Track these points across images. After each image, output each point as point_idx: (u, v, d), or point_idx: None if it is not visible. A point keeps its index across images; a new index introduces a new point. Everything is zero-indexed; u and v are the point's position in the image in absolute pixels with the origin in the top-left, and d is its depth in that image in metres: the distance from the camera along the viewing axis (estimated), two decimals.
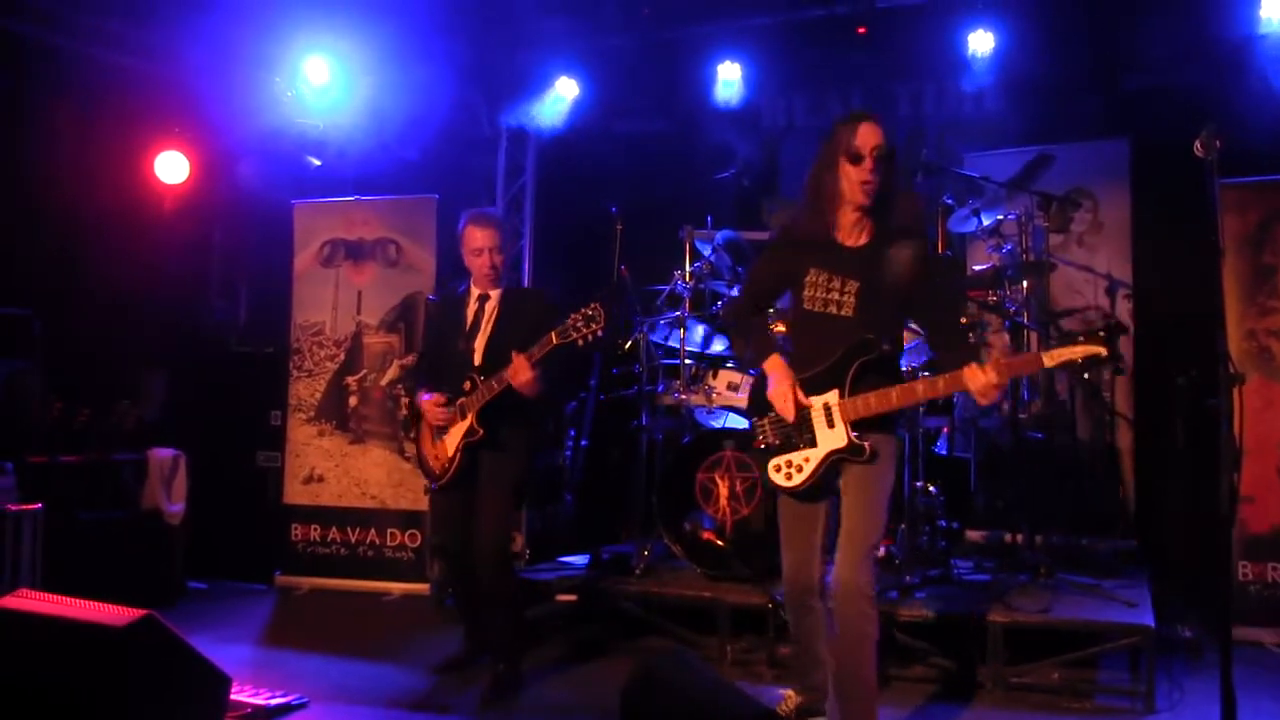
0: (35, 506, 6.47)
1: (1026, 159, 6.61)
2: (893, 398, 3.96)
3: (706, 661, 5.03)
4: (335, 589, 7.57)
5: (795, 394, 4.09)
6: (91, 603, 3.83)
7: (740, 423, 6.80)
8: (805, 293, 4.12)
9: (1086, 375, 3.81)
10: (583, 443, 8.06)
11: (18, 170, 7.33)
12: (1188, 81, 7.65)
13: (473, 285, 5.51)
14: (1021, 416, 6.55)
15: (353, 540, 7.69)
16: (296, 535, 7.78)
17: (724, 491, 6.19)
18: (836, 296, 4.07)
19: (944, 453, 6.61)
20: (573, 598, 6.37)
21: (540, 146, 9.33)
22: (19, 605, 3.92)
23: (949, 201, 6.73)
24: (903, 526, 6.17)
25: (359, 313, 7.90)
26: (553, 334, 4.90)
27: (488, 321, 5.41)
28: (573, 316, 4.87)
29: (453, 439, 5.30)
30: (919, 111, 8.82)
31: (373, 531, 7.70)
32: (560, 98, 8.82)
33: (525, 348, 4.98)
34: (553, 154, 9.26)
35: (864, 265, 4.05)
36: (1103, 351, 3.64)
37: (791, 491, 4.17)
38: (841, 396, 4.02)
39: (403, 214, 8.06)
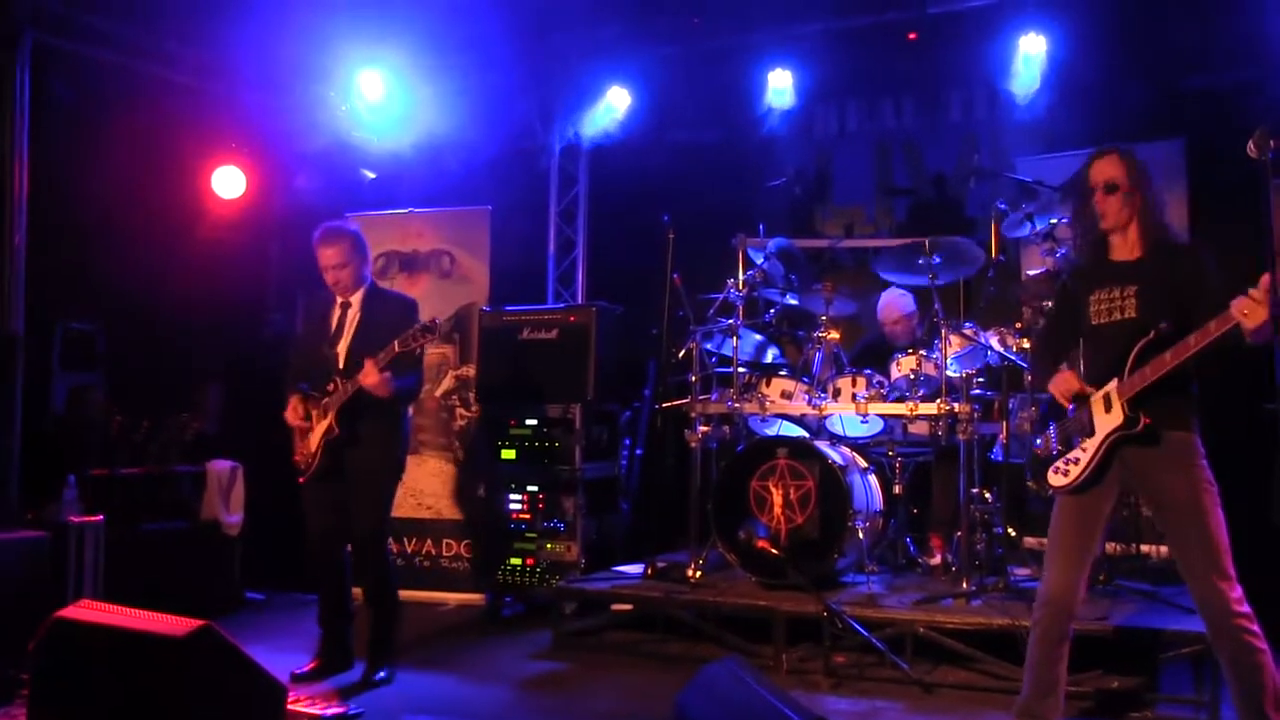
0: (97, 519, 6.59)
1: (1080, 162, 6.54)
2: (1166, 359, 3.93)
3: (762, 671, 5.02)
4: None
5: (1075, 379, 4.23)
6: (152, 613, 3.88)
7: (794, 430, 6.80)
8: (1091, 310, 4.24)
9: None
10: (638, 452, 8.07)
11: (78, 187, 7.46)
12: (1244, 80, 7.54)
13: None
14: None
15: (409, 550, 7.76)
16: None
17: (778, 500, 6.18)
18: (1119, 303, 4.16)
19: (999, 459, 6.55)
20: (628, 607, 6.39)
21: (592, 156, 9.37)
22: (81, 616, 3.99)
23: (1002, 206, 6.68)
24: (958, 534, 6.13)
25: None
26: (395, 342, 5.25)
27: (349, 327, 5.66)
28: (414, 327, 5.26)
29: (315, 437, 5.59)
30: (971, 117, 8.76)
31: (429, 542, 7.78)
32: (612, 107, 8.86)
33: (382, 348, 5.31)
34: (605, 164, 9.29)
35: (1138, 272, 4.15)
36: None
37: (1069, 487, 4.16)
38: (1120, 381, 4.06)
39: (456, 225, 8.14)
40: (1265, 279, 3.62)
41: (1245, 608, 3.87)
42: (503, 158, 8.80)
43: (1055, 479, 4.21)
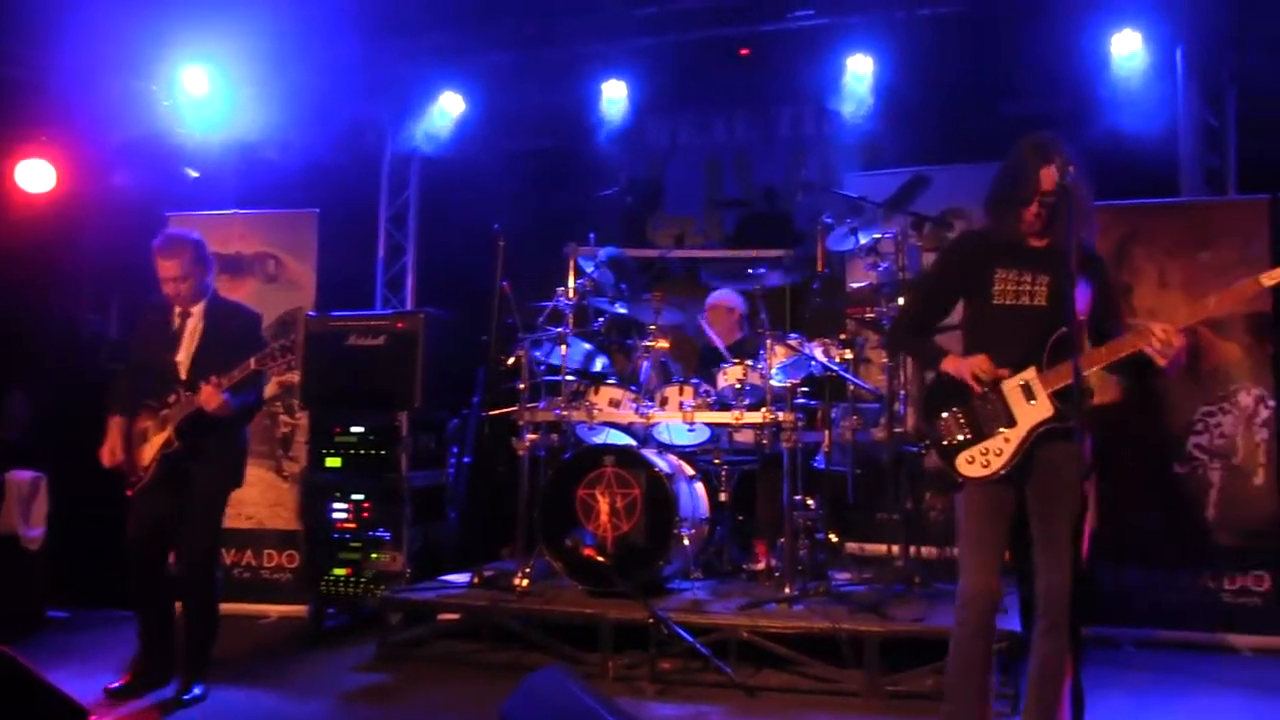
0: None
1: (904, 180, 6.76)
2: (1102, 355, 3.93)
3: (588, 678, 5.01)
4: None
5: (987, 361, 4.03)
6: None
7: (622, 438, 6.83)
8: (995, 287, 4.08)
9: None
10: (465, 460, 8.00)
11: None
12: (1053, 109, 7.93)
13: None
14: (898, 430, 6.69)
15: (229, 561, 7.52)
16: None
17: (605, 508, 6.20)
18: (1029, 288, 4.05)
19: (822, 467, 6.71)
20: (455, 616, 6.31)
21: (424, 161, 9.30)
22: None
23: (828, 220, 6.84)
24: (782, 540, 6.24)
25: None
26: (253, 360, 5.16)
27: (191, 337, 5.54)
28: (270, 347, 5.16)
29: (152, 447, 5.44)
30: (800, 132, 8.99)
31: (249, 552, 7.56)
32: (446, 113, 8.81)
33: (229, 366, 5.19)
34: (437, 169, 9.22)
35: (1052, 263, 4.00)
36: None
37: (989, 478, 3.99)
38: (1040, 371, 3.97)
39: (283, 229, 7.94)
40: (1217, 297, 3.81)
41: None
42: (332, 160, 8.66)
43: (971, 469, 4.02)
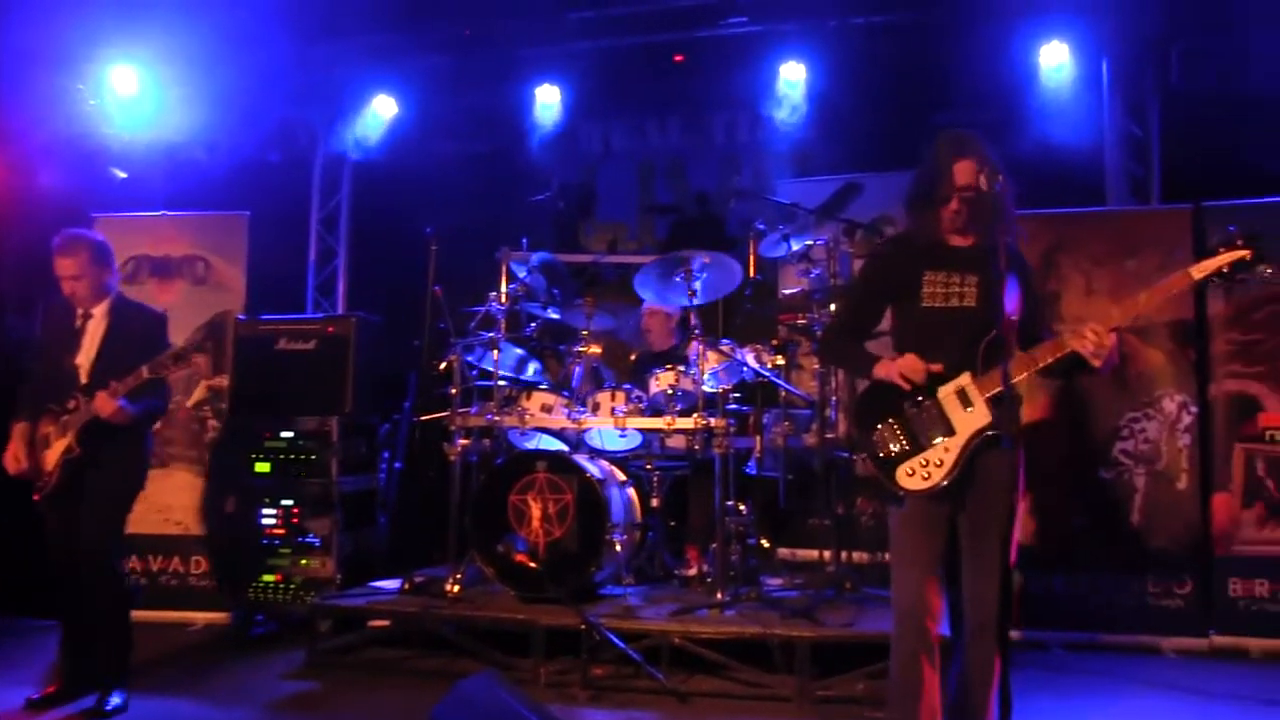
0: None
1: (837, 187, 6.80)
2: (1037, 358, 3.85)
3: (520, 684, 5.00)
4: (134, 621, 7.20)
5: (916, 360, 3.93)
6: None
7: (554, 444, 6.81)
8: (924, 290, 3.99)
9: (1240, 277, 3.74)
10: (397, 465, 7.94)
11: None
12: (987, 118, 8.02)
13: None
14: (829, 436, 6.73)
15: (155, 568, 7.41)
16: None
17: (537, 513, 6.18)
18: (958, 289, 3.97)
19: (753, 472, 6.73)
20: (385, 623, 6.26)
21: (357, 164, 9.22)
22: None
23: (761, 226, 6.87)
24: (714, 545, 6.25)
25: None
26: (145, 368, 5.12)
27: (92, 339, 5.46)
28: (165, 354, 5.13)
29: (54, 453, 5.36)
30: (734, 139, 9.03)
31: (176, 559, 7.44)
32: (378, 116, 8.76)
33: (129, 369, 5.15)
34: (369, 172, 9.16)
35: (979, 262, 3.94)
36: (1247, 254, 3.64)
37: (932, 490, 3.87)
38: (975, 376, 3.88)
39: (212, 231, 7.85)
40: (1147, 293, 3.78)
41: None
42: (263, 162, 8.59)
43: (912, 482, 3.89)
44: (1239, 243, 3.64)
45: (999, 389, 3.78)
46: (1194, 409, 6.63)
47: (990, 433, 3.85)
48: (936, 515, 3.94)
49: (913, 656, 3.92)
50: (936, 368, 3.92)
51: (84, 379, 5.36)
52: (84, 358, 5.41)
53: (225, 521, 7.41)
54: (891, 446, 3.96)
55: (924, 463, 3.90)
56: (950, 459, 3.87)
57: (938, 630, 3.95)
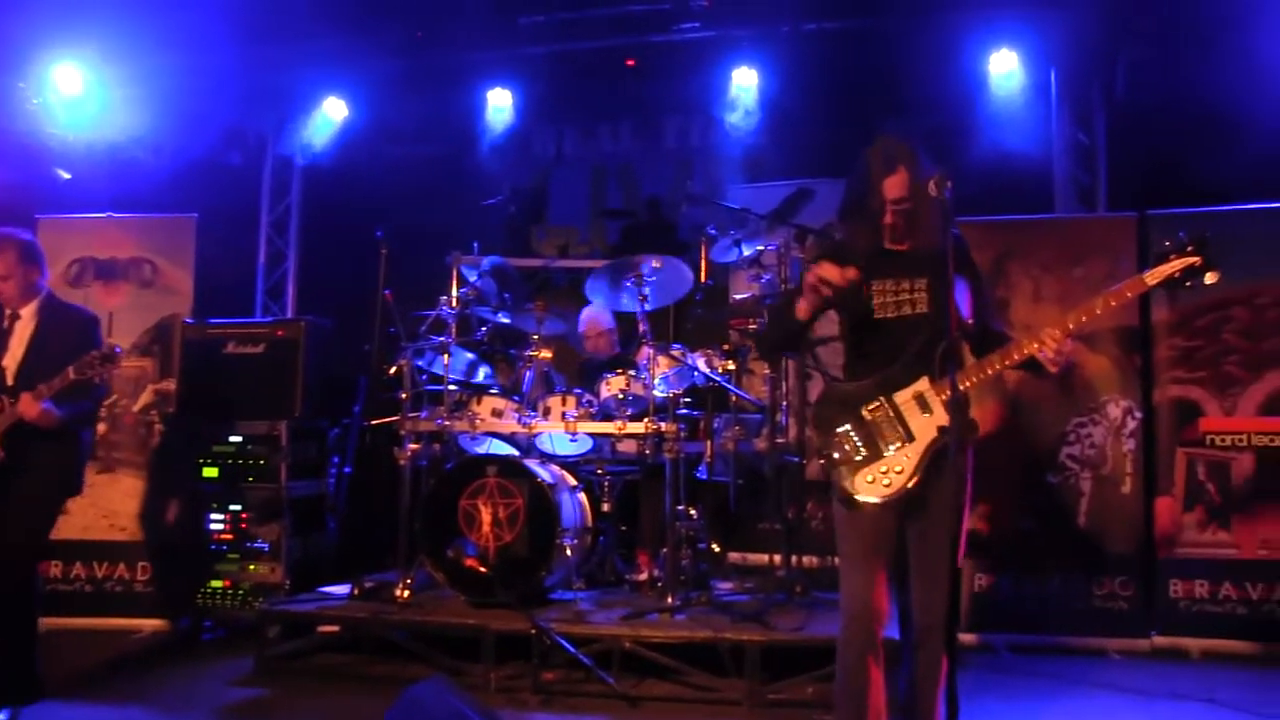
0: None
1: (788, 193, 6.83)
2: (995, 362, 3.80)
3: (470, 689, 4.98)
4: (79, 628, 7.12)
5: (830, 265, 3.81)
6: None
7: (504, 448, 6.80)
8: (875, 301, 3.95)
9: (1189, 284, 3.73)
10: (346, 470, 7.90)
11: None
12: (938, 125, 8.12)
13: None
14: (779, 441, 6.76)
15: (99, 575, 7.32)
16: None
17: (487, 518, 6.16)
18: (908, 296, 3.92)
19: (704, 477, 6.75)
20: (335, 629, 6.21)
21: (307, 167, 9.17)
22: None
23: (712, 231, 6.89)
24: (665, 550, 6.26)
25: (110, 335, 7.52)
26: (70, 369, 5.02)
27: (19, 340, 5.37)
28: (92, 354, 5.02)
29: None
30: (686, 144, 9.06)
31: (122, 565, 7.34)
32: (329, 119, 8.71)
33: (58, 372, 5.05)
34: (320, 175, 9.11)
35: (926, 264, 3.89)
36: (1197, 260, 3.62)
37: (891, 498, 3.80)
38: (933, 381, 3.83)
39: (159, 233, 7.77)
40: (1100, 297, 3.72)
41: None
42: (212, 164, 8.51)
43: (871, 490, 3.83)
44: (1190, 249, 3.64)
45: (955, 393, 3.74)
46: (1138, 414, 6.72)
47: (948, 438, 3.78)
48: (886, 519, 3.90)
49: (860, 658, 3.90)
50: (852, 273, 3.83)
51: (10, 381, 5.25)
52: (10, 359, 5.30)
53: (172, 527, 7.33)
54: (849, 453, 3.88)
55: (884, 470, 3.83)
56: (910, 465, 3.82)
57: (884, 632, 3.94)
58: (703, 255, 7.01)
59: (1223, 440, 6.45)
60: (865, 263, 3.95)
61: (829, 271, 3.81)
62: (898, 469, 3.82)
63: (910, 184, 3.84)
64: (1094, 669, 6.24)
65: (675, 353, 6.48)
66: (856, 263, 3.92)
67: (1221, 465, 6.59)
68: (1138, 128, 7.76)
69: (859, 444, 3.88)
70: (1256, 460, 6.54)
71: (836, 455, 3.90)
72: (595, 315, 7.35)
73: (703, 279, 7.00)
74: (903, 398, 3.87)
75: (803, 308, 3.96)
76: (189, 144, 8.14)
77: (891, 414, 3.87)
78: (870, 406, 3.89)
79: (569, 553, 6.14)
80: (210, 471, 7.29)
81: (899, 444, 3.84)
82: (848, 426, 3.90)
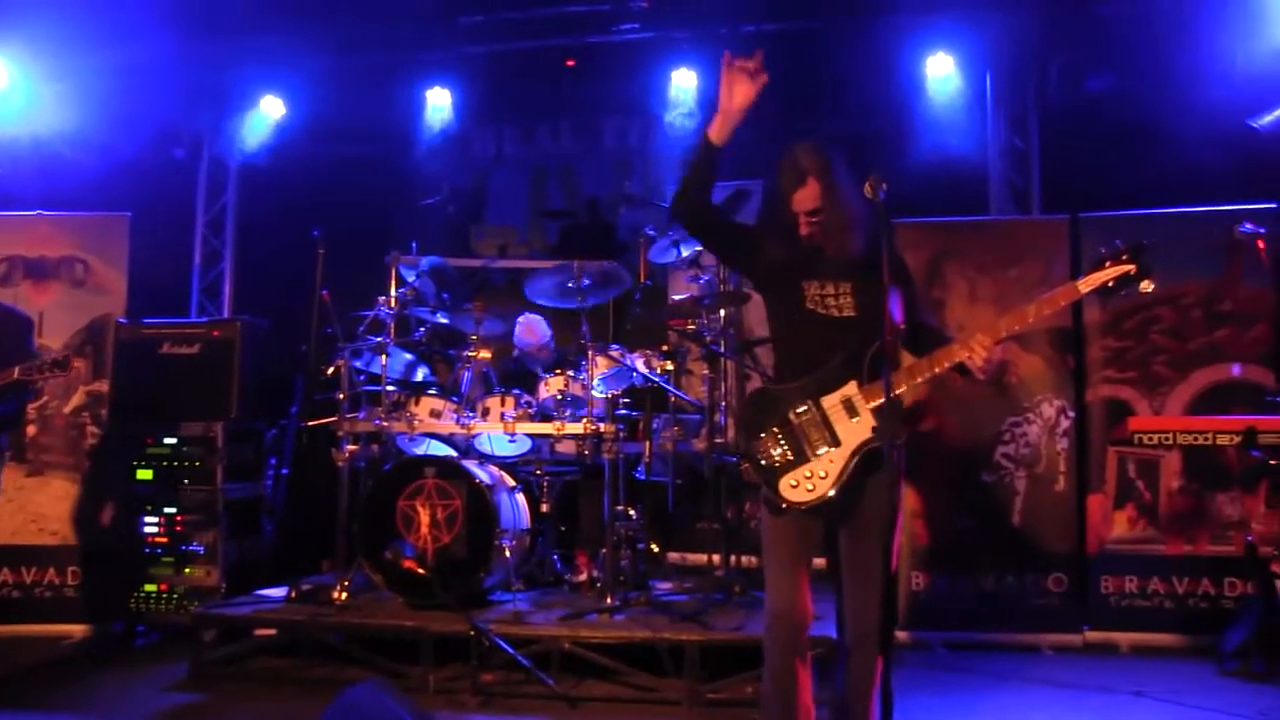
0: None
1: (726, 194, 6.86)
2: (921, 367, 3.79)
3: (409, 692, 4.96)
4: (6, 635, 6.97)
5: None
6: None
7: (443, 449, 6.78)
8: (807, 295, 3.90)
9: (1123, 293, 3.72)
10: (284, 471, 7.84)
11: None
12: (875, 128, 8.22)
13: None
14: (718, 441, 6.79)
15: (29, 580, 7.19)
16: None
17: (425, 519, 6.13)
18: (834, 299, 3.88)
19: (643, 477, 6.77)
20: (272, 632, 6.16)
21: (244, 165, 9.07)
22: None
23: (651, 232, 6.91)
24: (604, 550, 6.27)
25: (41, 335, 7.41)
26: (17, 369, 5.00)
27: None
28: (41, 359, 5.01)
29: None
30: (625, 144, 9.08)
31: (52, 570, 7.22)
32: (266, 117, 8.63)
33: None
34: (257, 174, 9.01)
35: (851, 268, 3.86)
36: (1132, 269, 3.64)
37: (814, 503, 3.76)
38: (860, 385, 3.79)
39: (92, 232, 7.65)
40: (1032, 305, 3.74)
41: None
42: (146, 162, 8.37)
43: (795, 494, 3.78)
44: (1124, 257, 3.67)
45: (884, 399, 3.70)
46: (1072, 413, 6.83)
47: (875, 444, 3.77)
48: (811, 523, 3.89)
49: (785, 661, 3.89)
50: (762, 77, 3.88)
51: None
52: None
53: (105, 530, 7.23)
54: (775, 456, 3.84)
55: (808, 474, 3.79)
56: (835, 470, 3.77)
57: (809, 631, 3.93)
58: (642, 256, 7.03)
59: (1150, 439, 6.55)
60: (794, 260, 3.94)
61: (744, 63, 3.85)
62: (822, 474, 3.78)
63: (823, 194, 3.81)
64: (1028, 664, 6.34)
65: (614, 353, 6.49)
66: (793, 260, 3.91)
67: (1151, 463, 6.72)
68: (1071, 132, 7.88)
69: (785, 448, 3.84)
70: (1183, 459, 6.69)
71: (762, 460, 3.86)
72: (532, 324, 7.30)
73: (642, 280, 7.02)
74: (830, 402, 3.83)
75: (715, 128, 3.96)
76: (122, 141, 8.00)
77: (818, 418, 3.83)
78: (798, 410, 3.85)
79: (508, 554, 6.13)
80: (144, 474, 7.19)
81: (825, 448, 3.80)
82: (774, 430, 3.87)
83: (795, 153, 3.89)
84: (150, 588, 7.07)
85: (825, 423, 3.81)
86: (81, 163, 8.02)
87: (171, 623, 6.96)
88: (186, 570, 7.06)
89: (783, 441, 3.85)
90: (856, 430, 3.79)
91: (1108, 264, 3.68)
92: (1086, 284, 3.71)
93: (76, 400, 7.41)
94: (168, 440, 7.21)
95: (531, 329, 7.28)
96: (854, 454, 3.77)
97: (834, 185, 3.81)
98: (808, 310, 3.91)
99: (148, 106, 8.19)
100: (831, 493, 3.76)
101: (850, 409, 3.80)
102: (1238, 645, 6.00)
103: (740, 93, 3.94)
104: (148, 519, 7.13)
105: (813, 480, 3.78)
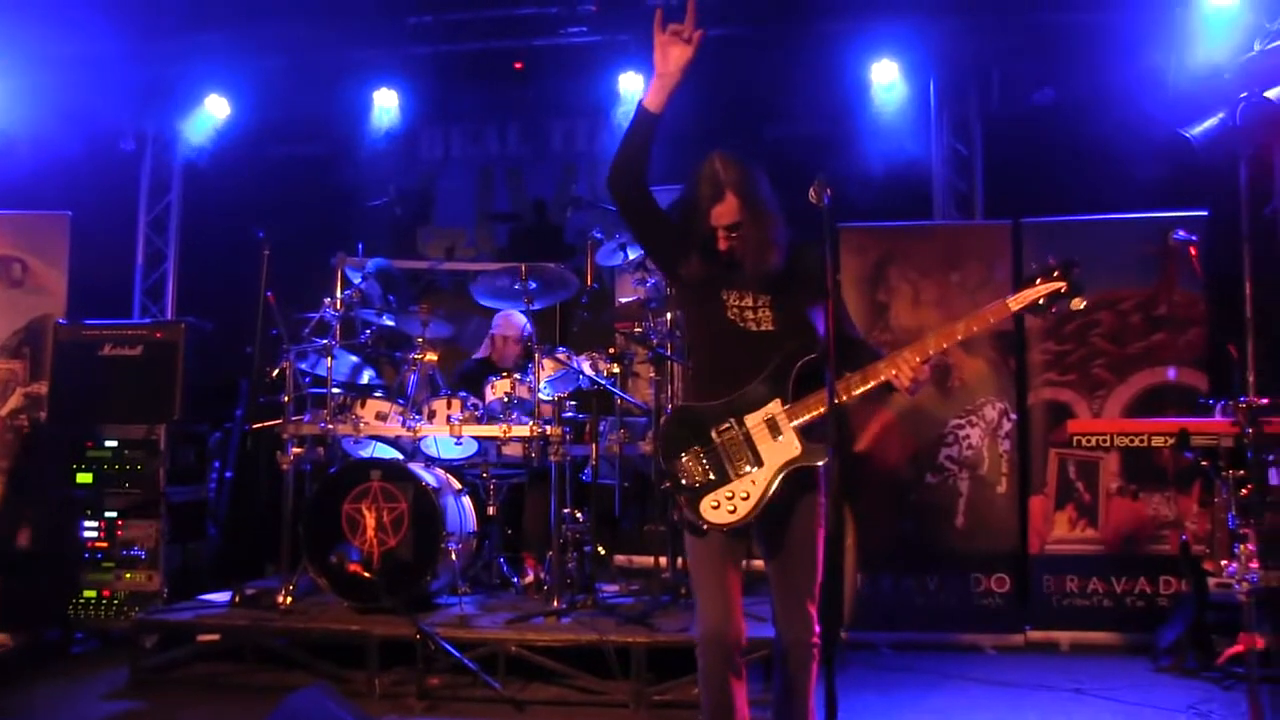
0: None
1: (672, 198, 6.88)
2: (849, 385, 3.67)
3: (354, 696, 4.94)
4: None
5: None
6: None
7: (389, 452, 6.75)
8: (727, 306, 3.79)
9: (1054, 310, 3.71)
10: (228, 474, 7.77)
11: None
12: (820, 133, 8.29)
13: None
14: None
15: None
16: None
17: (371, 522, 6.11)
18: (752, 313, 3.78)
19: (589, 480, 6.78)
20: (215, 637, 6.10)
21: (188, 165, 8.99)
22: None
23: (598, 235, 6.93)
24: (550, 553, 6.27)
25: None
26: None
27: None
28: None
29: None
30: (572, 147, 9.09)
31: None
32: (210, 116, 8.56)
33: None
34: (201, 173, 8.94)
35: (769, 281, 3.77)
36: (1062, 286, 3.63)
37: (736, 525, 3.68)
38: (784, 404, 3.71)
39: (30, 231, 7.57)
40: (963, 321, 3.69)
41: (817, 632, 3.76)
42: (87, 161, 8.25)
43: (716, 515, 3.69)
44: (1055, 274, 3.66)
45: (808, 417, 3.68)
46: (1014, 416, 6.92)
47: (800, 464, 3.70)
48: (735, 542, 3.79)
49: (719, 677, 3.78)
50: (696, 36, 3.74)
51: None
52: None
53: (41, 535, 7.13)
54: (696, 477, 3.74)
55: (729, 495, 3.70)
56: (758, 491, 3.69)
57: (742, 649, 3.80)
58: (588, 259, 7.04)
59: (1089, 441, 6.64)
60: (712, 273, 3.83)
61: (677, 25, 3.72)
62: (744, 494, 3.70)
63: (742, 208, 3.70)
64: (970, 664, 6.42)
65: (561, 356, 6.49)
66: (715, 268, 3.81)
67: (1090, 465, 6.83)
68: (1013, 139, 8.00)
69: (707, 467, 3.75)
70: (1121, 460, 6.80)
71: (683, 480, 3.77)
72: (511, 317, 7.32)
73: (588, 282, 7.03)
74: (753, 421, 3.75)
75: (651, 94, 3.85)
76: (62, 139, 7.89)
77: (741, 437, 3.75)
78: (720, 428, 3.76)
79: (454, 557, 6.12)
80: (84, 477, 7.10)
81: (748, 468, 3.72)
82: (696, 449, 3.78)
83: (714, 163, 3.78)
84: (90, 593, 6.98)
85: (748, 442, 3.74)
86: (21, 160, 7.91)
87: (111, 629, 6.87)
88: (127, 575, 6.98)
89: (704, 461, 3.76)
90: (780, 450, 3.72)
91: (1039, 281, 3.67)
92: (1016, 302, 3.70)
93: (13, 402, 7.33)
94: (109, 442, 7.12)
95: (509, 320, 7.29)
96: (777, 473, 3.70)
97: (753, 199, 3.72)
98: (728, 320, 3.81)
99: (90, 104, 8.10)
100: (753, 514, 3.69)
101: (774, 428, 3.72)
102: (1172, 642, 6.13)
103: (675, 56, 3.77)
104: (87, 523, 7.03)
105: (734, 501, 3.71)
